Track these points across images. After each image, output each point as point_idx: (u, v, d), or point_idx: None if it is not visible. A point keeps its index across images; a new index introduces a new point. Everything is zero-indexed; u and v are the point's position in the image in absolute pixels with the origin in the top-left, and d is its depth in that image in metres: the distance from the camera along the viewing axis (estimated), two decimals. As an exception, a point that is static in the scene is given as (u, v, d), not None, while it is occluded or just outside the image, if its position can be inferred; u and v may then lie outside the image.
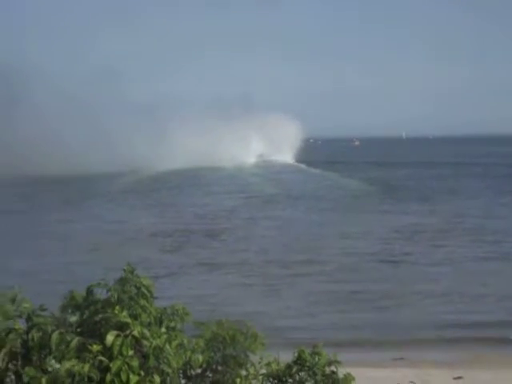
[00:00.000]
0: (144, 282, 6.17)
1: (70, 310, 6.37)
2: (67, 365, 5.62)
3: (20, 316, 6.37)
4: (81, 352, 5.77)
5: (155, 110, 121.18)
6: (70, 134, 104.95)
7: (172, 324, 6.56)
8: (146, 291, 6.14)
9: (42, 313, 6.39)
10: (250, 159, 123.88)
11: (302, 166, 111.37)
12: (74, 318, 6.17)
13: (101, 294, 6.26)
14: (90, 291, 6.23)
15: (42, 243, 36.53)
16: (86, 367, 5.63)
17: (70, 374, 5.60)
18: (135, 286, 6.12)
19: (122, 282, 6.17)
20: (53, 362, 5.78)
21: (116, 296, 6.03)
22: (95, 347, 5.74)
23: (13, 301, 6.38)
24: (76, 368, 5.60)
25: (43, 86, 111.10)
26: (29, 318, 6.31)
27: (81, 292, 6.47)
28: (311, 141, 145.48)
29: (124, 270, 6.27)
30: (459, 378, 16.82)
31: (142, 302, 6.09)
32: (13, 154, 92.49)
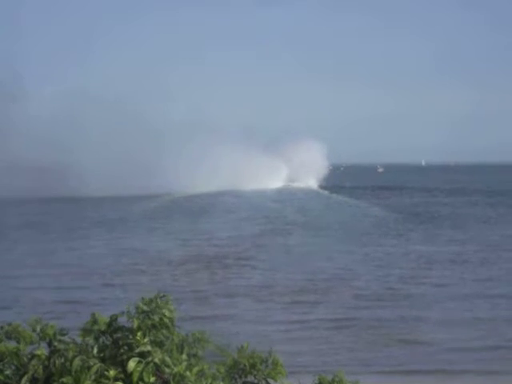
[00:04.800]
0: (166, 313, 6.19)
1: (92, 336, 6.39)
2: (85, 391, 5.65)
3: (41, 340, 6.42)
4: (100, 378, 5.80)
5: (177, 134, 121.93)
6: (94, 157, 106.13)
7: (193, 351, 6.58)
8: (167, 321, 6.17)
9: (63, 337, 6.43)
10: (274, 185, 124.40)
11: (326, 192, 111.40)
12: (95, 344, 6.19)
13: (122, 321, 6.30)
14: (113, 320, 6.26)
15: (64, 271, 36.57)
16: (105, 393, 5.65)
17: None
18: (158, 316, 6.14)
19: (144, 311, 6.19)
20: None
21: (137, 324, 6.06)
22: (112, 373, 5.78)
23: (34, 328, 6.43)
24: (94, 394, 5.63)
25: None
26: (50, 343, 6.36)
27: (103, 316, 6.51)
28: (330, 168, 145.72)
29: (144, 300, 6.30)
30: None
31: (164, 331, 6.12)
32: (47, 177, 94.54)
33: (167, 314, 6.20)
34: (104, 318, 6.31)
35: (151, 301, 6.27)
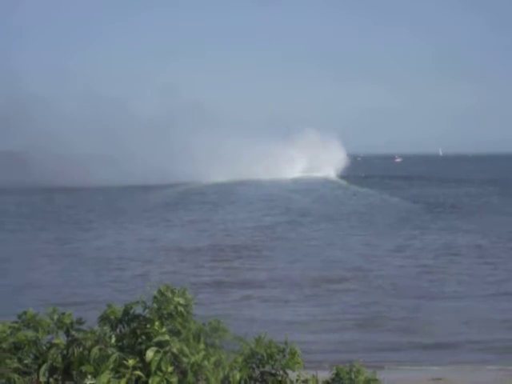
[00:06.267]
0: (181, 301, 6.19)
1: (109, 324, 6.42)
2: (104, 379, 5.66)
3: (59, 329, 6.44)
4: (119, 367, 5.81)
5: (194, 124, 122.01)
6: (102, 147, 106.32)
7: (210, 340, 6.57)
8: (183, 310, 6.17)
9: (80, 326, 6.46)
10: (293, 175, 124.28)
11: (344, 182, 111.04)
12: (113, 333, 6.21)
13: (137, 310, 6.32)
14: (128, 308, 6.28)
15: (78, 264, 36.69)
16: (123, 382, 5.66)
17: (108, 389, 5.63)
18: (173, 305, 6.15)
19: (159, 301, 6.20)
20: (89, 377, 5.81)
21: (153, 313, 6.08)
22: (131, 362, 5.79)
23: (51, 317, 6.46)
24: (112, 383, 5.63)
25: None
26: (68, 332, 6.38)
27: (119, 306, 6.54)
28: (348, 158, 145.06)
29: (160, 290, 6.31)
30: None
31: (180, 319, 6.12)
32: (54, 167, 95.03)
33: (182, 302, 6.20)
34: (120, 308, 6.34)
35: (166, 290, 6.28)
